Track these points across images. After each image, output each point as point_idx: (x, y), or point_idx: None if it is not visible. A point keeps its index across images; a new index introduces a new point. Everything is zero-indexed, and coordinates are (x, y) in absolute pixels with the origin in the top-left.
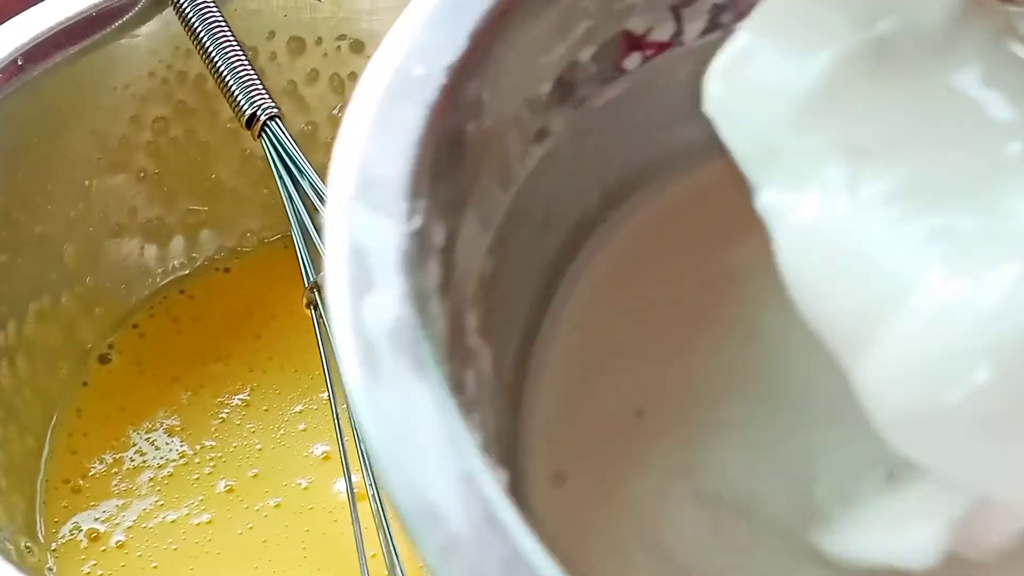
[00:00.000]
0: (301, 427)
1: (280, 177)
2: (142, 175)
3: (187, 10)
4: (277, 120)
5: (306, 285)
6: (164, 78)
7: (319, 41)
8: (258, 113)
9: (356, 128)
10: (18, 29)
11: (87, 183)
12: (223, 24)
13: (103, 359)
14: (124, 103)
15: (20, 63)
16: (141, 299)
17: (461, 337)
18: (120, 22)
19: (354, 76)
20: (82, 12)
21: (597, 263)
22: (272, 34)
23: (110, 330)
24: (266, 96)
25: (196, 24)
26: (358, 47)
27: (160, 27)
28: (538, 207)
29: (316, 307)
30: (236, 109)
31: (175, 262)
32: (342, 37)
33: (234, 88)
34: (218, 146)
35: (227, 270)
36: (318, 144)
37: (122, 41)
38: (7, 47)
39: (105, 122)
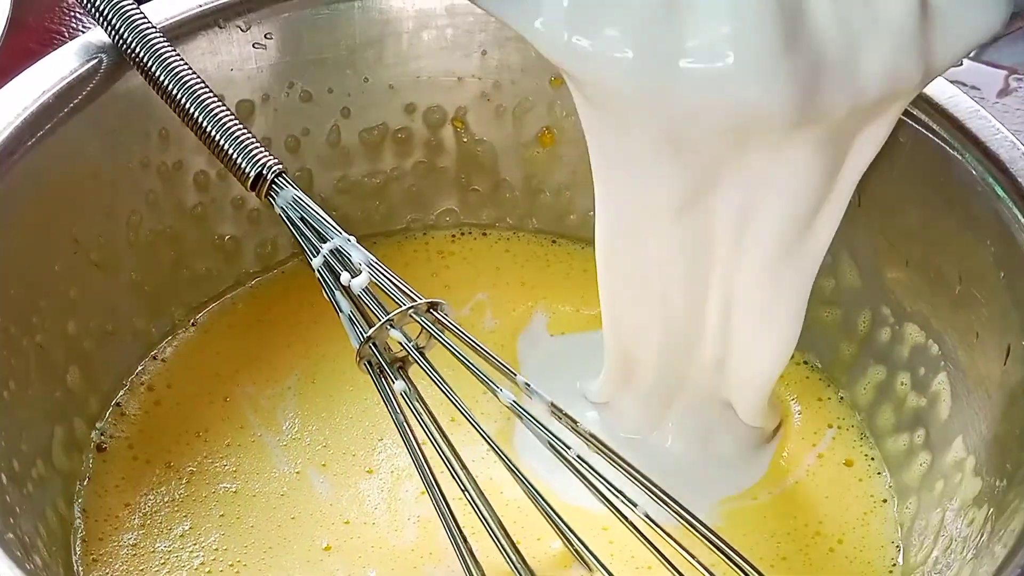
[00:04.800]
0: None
1: (302, 234)
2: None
3: (161, 78)
4: (284, 176)
5: (358, 342)
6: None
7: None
8: (264, 172)
9: None
10: None
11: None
12: (204, 86)
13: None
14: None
15: None
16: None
17: None
18: (78, 99)
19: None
20: (37, 98)
21: None
22: None
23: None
24: (267, 153)
25: (175, 91)
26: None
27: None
28: None
29: (372, 364)
30: (238, 172)
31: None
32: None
33: (231, 151)
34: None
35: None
36: None
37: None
38: None
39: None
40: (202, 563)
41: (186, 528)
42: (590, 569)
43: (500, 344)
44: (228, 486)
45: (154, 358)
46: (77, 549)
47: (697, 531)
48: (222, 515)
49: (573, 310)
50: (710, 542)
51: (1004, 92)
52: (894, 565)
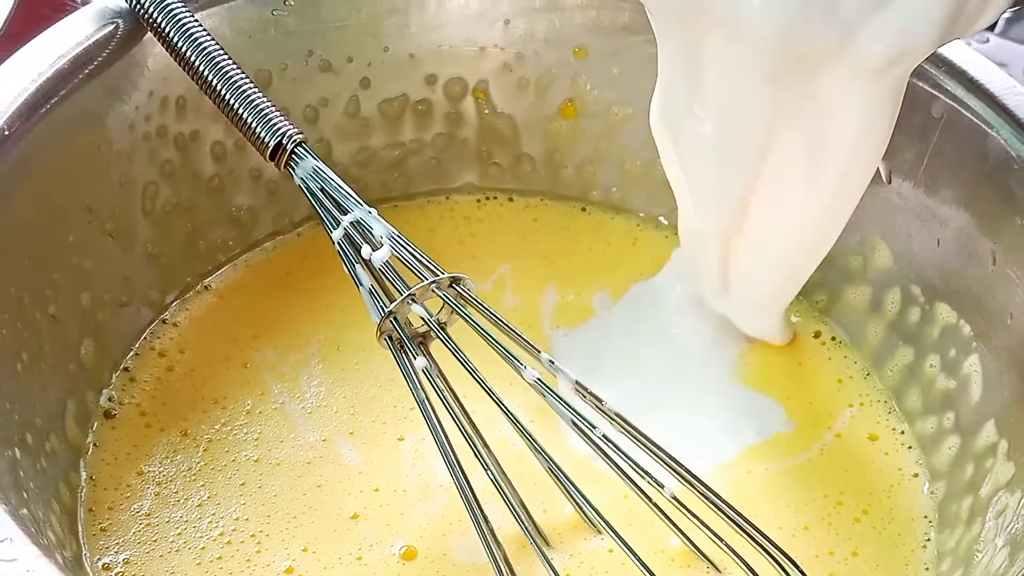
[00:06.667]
0: (319, 485)
1: (322, 205)
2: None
3: (180, 44)
4: (304, 145)
5: (379, 317)
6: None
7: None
8: (284, 142)
9: None
10: None
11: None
12: (223, 52)
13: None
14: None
15: (6, 132)
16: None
17: None
18: (94, 65)
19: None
20: (52, 64)
21: None
22: None
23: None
24: (287, 122)
25: (193, 57)
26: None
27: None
28: None
29: (393, 339)
30: (257, 141)
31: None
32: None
33: (250, 119)
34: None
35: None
36: None
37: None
38: None
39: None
40: (221, 533)
41: (204, 497)
42: (596, 530)
43: (527, 325)
44: (249, 454)
45: (164, 322)
46: (82, 517)
47: (719, 508)
48: (243, 484)
49: (575, 296)
50: (732, 520)
51: None
52: (928, 540)
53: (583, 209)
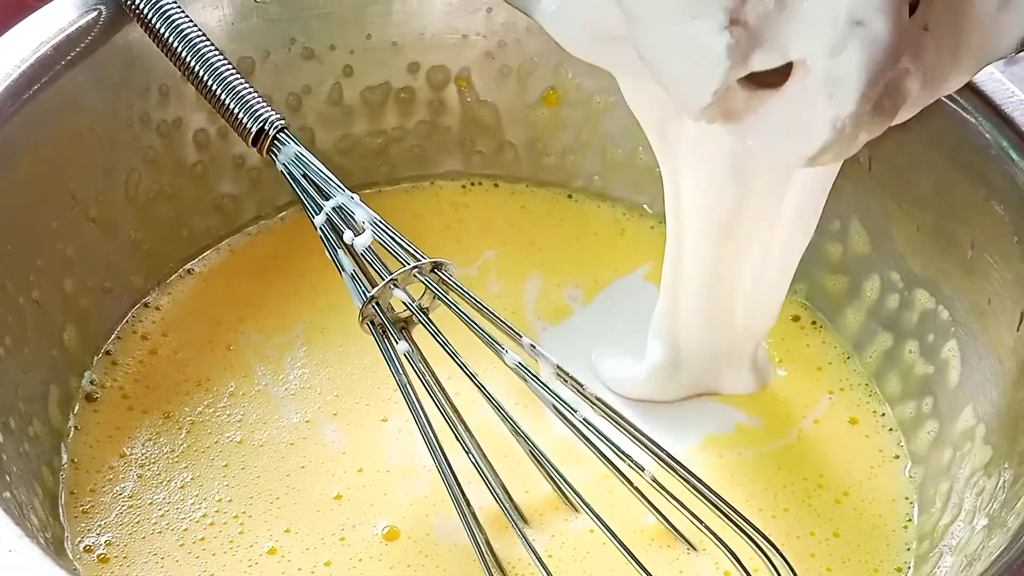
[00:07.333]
0: (302, 466)
1: (304, 191)
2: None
3: (162, 31)
4: (286, 131)
5: (361, 302)
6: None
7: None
8: (266, 128)
9: None
10: None
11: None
12: (205, 40)
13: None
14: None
15: None
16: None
17: None
18: (77, 52)
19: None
20: (35, 50)
21: None
22: None
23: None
24: (269, 108)
25: (175, 44)
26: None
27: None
28: None
29: (375, 324)
30: (239, 127)
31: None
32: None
33: (232, 105)
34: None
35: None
36: None
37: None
38: None
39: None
40: (204, 514)
41: (187, 479)
42: (576, 510)
43: (510, 312)
44: (232, 436)
45: (146, 306)
46: (64, 500)
47: (697, 490)
48: (226, 465)
49: (557, 287)
50: (711, 502)
51: (1012, 62)
52: (909, 521)
53: (569, 196)
